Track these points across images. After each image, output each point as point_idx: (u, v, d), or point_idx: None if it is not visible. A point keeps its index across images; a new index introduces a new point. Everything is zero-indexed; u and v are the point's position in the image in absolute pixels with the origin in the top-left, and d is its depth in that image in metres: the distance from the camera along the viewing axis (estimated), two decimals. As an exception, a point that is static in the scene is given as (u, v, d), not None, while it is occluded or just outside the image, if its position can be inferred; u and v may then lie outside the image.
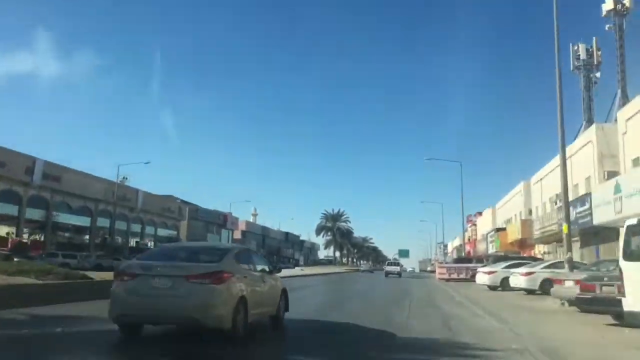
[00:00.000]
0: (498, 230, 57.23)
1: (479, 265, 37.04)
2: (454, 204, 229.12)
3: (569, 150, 36.79)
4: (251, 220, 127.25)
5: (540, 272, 20.80)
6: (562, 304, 14.65)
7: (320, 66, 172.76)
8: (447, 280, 37.45)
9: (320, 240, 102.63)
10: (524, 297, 20.11)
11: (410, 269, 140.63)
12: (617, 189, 23.03)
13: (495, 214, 66.14)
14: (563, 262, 23.10)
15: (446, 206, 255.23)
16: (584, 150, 33.54)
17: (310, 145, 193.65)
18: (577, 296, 11.74)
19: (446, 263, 52.41)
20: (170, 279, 7.60)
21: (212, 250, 9.20)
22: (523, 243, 47.54)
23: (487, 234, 64.04)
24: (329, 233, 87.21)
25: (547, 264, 22.15)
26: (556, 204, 38.78)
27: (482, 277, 26.63)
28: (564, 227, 16.28)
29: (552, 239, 40.10)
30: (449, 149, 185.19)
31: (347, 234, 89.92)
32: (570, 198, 36.55)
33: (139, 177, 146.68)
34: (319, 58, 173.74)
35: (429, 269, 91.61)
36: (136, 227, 68.00)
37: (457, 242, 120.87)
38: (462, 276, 37.40)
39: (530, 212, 47.84)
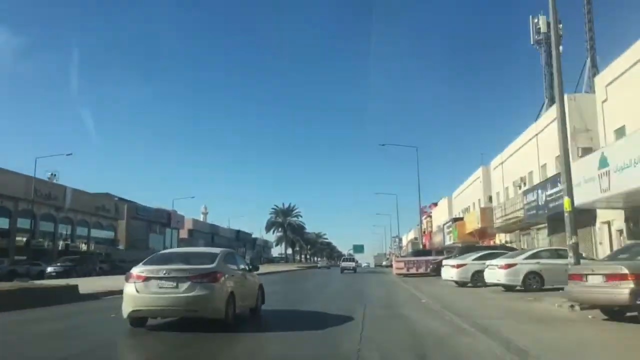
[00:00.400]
0: (455, 220, 54.05)
1: (439, 257, 33.52)
2: (410, 195, 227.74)
3: (534, 129, 33.72)
4: (201, 219, 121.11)
5: (523, 264, 16.90)
6: (572, 307, 10.65)
7: (268, 50, 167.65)
8: (405, 275, 33.60)
9: (271, 237, 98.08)
10: (506, 295, 16.05)
11: (365, 264, 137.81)
12: (603, 163, 19.35)
13: (451, 204, 63.16)
14: (548, 250, 19.43)
15: (401, 198, 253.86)
16: (551, 127, 30.18)
17: (259, 138, 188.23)
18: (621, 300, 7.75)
19: (403, 257, 48.85)
20: (175, 280, 9.29)
21: (204, 255, 10.88)
22: (483, 233, 44.39)
23: (443, 225, 60.87)
24: (280, 229, 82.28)
25: (528, 253, 18.24)
26: (520, 188, 35.57)
27: (449, 272, 22.52)
28: (566, 203, 12.20)
29: (515, 226, 36.92)
30: (404, 137, 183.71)
31: (299, 229, 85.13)
32: (538, 180, 33.67)
33: (72, 174, 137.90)
34: (267, 44, 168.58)
35: (384, 263, 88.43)
36: (65, 228, 61.34)
37: (412, 235, 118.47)
38: (421, 270, 33.62)
39: (490, 199, 44.70)
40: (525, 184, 34.35)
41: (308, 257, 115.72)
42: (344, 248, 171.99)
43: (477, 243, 48.61)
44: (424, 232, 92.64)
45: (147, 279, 9.27)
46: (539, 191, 28.63)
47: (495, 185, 42.55)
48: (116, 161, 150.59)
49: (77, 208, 61.30)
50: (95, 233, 66.99)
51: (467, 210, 53.23)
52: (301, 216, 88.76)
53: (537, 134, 31.60)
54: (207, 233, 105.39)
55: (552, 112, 31.27)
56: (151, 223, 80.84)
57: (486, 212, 43.15)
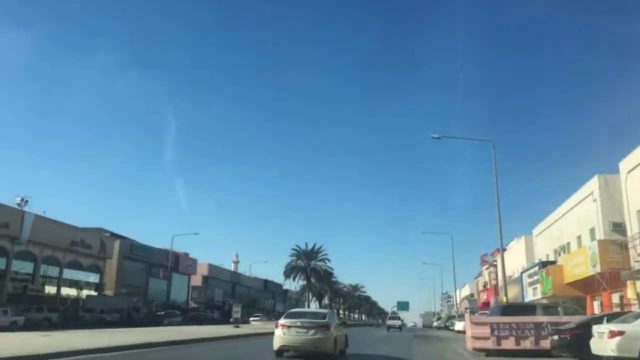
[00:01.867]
0: (545, 265, 36.79)
1: (552, 318, 17.06)
2: (461, 246, 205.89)
3: None
4: (230, 268, 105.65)
5: None
6: None
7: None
8: (492, 351, 16.81)
9: (292, 285, 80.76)
10: None
11: (412, 324, 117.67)
12: None
13: (531, 244, 45.58)
14: None
15: (454, 249, 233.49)
16: None
17: (291, 180, 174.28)
18: None
19: (485, 315, 31.34)
20: (306, 328, 14.87)
21: (318, 313, 16.87)
22: (600, 281, 27.16)
23: (522, 274, 43.30)
24: (302, 276, 65.58)
25: None
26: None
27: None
28: None
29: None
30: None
31: (326, 276, 67.10)
32: None
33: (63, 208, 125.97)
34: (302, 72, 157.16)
35: (435, 324, 69.93)
36: (25, 266, 47.20)
37: (467, 291, 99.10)
38: (527, 343, 16.65)
39: (615, 226, 27.65)
40: None
41: (342, 312, 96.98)
42: (386, 304, 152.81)
43: (580, 298, 31.96)
44: (485, 286, 74.37)
45: (289, 326, 14.98)
46: None
47: (631, 203, 25.63)
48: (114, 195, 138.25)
49: (44, 241, 47.43)
50: (71, 274, 52.65)
51: (564, 249, 35.94)
52: (329, 260, 70.22)
53: None
54: (227, 282, 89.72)
55: None
56: (152, 266, 66.08)
57: (609, 248, 26.33)
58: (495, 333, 16.92)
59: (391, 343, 26.74)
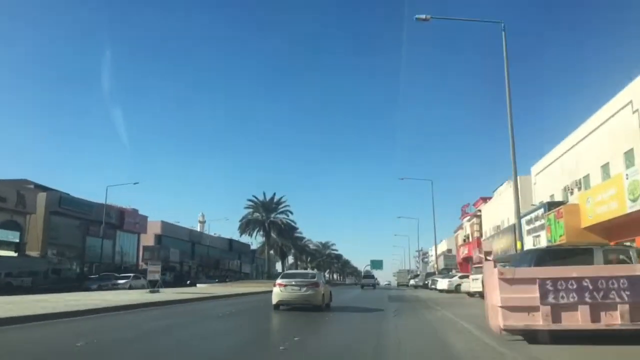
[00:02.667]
0: (553, 206, 29.04)
1: (626, 269, 8.72)
2: (438, 200, 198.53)
3: None
4: (197, 228, 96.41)
5: None
6: None
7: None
8: (543, 333, 8.64)
9: (248, 241, 71.22)
10: None
11: (386, 283, 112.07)
12: None
13: (529, 186, 37.74)
14: None
15: (426, 210, 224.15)
16: None
17: (251, 124, 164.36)
18: None
19: (518, 264, 22.77)
20: (299, 286, 17.77)
21: (309, 274, 19.93)
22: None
23: (521, 220, 35.42)
24: (261, 231, 56.77)
25: None
26: None
27: None
28: None
29: None
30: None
31: (288, 230, 58.61)
32: None
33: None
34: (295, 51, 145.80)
35: (412, 282, 62.77)
36: None
37: (443, 247, 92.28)
38: (613, 319, 8.40)
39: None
40: None
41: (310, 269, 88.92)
42: (359, 264, 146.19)
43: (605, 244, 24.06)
44: (466, 239, 67.26)
45: (285, 285, 17.89)
46: None
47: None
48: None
49: None
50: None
51: (578, 185, 28.14)
52: (291, 212, 60.45)
53: None
54: (185, 241, 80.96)
55: None
56: (91, 223, 56.74)
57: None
58: (550, 299, 8.57)
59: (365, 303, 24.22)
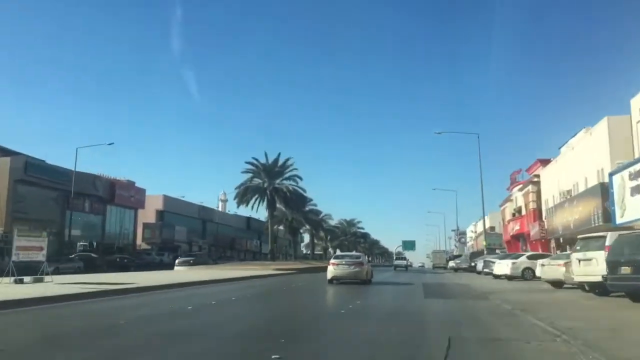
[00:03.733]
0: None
1: None
2: (471, 190, 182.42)
3: None
4: (217, 208, 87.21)
5: None
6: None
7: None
8: None
9: (248, 213, 58.36)
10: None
11: (420, 265, 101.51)
12: None
13: (624, 128, 26.16)
14: None
15: (461, 194, 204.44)
16: None
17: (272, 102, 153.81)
18: None
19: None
20: (348, 264, 21.57)
21: (356, 255, 24.65)
22: None
23: (613, 175, 24.12)
24: (262, 199, 45.52)
25: None
26: None
27: None
28: None
29: None
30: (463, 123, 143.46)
31: (297, 200, 47.14)
32: None
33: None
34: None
35: (451, 264, 51.83)
36: None
37: (482, 226, 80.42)
38: None
39: None
40: None
41: (331, 250, 77.40)
42: (389, 244, 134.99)
43: None
44: (515, 214, 55.73)
45: (337, 264, 21.74)
46: None
47: None
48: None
49: None
50: None
51: None
52: (300, 178, 47.01)
53: None
54: (195, 218, 71.88)
55: None
56: (68, 194, 47.74)
57: None
58: None
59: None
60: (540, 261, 20.72)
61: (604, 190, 25.97)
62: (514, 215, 54.47)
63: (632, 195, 21.90)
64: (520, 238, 51.95)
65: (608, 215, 25.52)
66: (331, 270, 21.68)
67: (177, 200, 68.45)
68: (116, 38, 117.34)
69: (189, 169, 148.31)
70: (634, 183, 21.58)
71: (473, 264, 38.70)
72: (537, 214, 43.18)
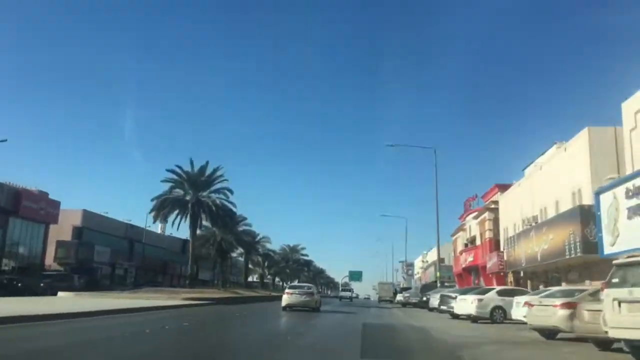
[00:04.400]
0: None
1: None
2: (421, 217, 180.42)
3: None
4: (148, 227, 78.21)
5: None
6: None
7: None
8: None
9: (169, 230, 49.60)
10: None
11: (366, 297, 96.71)
12: None
13: (608, 140, 21.72)
14: None
15: (413, 213, 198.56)
16: None
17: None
18: None
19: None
20: (301, 294, 25.32)
21: (307, 286, 28.12)
22: None
23: (601, 195, 19.34)
24: (183, 214, 38.44)
25: None
26: None
27: None
28: None
29: None
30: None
31: (225, 217, 40.05)
32: None
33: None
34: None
35: (399, 298, 46.33)
36: None
37: (432, 256, 75.97)
38: None
39: None
40: None
41: (267, 278, 70.52)
42: (335, 274, 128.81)
43: None
44: (468, 245, 51.30)
45: (291, 293, 25.09)
46: None
47: None
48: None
49: None
50: None
51: None
52: (230, 192, 40.55)
53: None
54: (121, 238, 63.82)
55: None
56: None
57: None
58: None
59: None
60: (516, 299, 15.47)
61: (585, 214, 21.39)
62: (466, 245, 50.04)
63: (629, 218, 17.13)
64: (473, 271, 47.43)
65: (589, 245, 20.88)
66: (286, 298, 25.01)
67: (99, 217, 60.34)
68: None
69: (118, 182, 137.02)
70: (634, 202, 16.85)
71: (425, 299, 33.34)
72: (494, 244, 38.65)
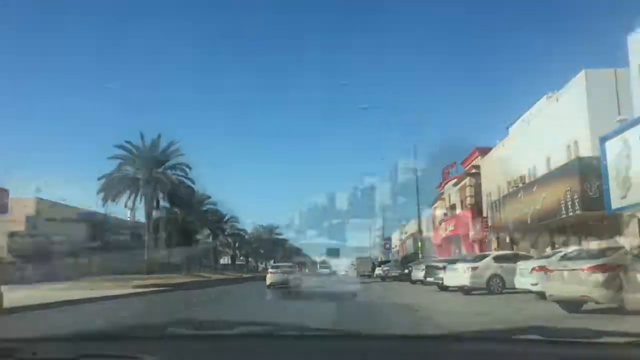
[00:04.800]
0: None
1: None
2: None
3: None
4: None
5: None
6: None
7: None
8: None
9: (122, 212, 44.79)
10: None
11: (343, 273, 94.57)
12: None
13: (608, 87, 19.03)
14: None
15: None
16: None
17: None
18: None
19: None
20: (283, 272, 26.82)
21: (288, 265, 31.57)
22: None
23: (606, 141, 16.71)
24: (139, 195, 35.49)
25: None
26: None
27: None
28: None
29: None
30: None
31: (184, 197, 36.56)
32: None
33: None
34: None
35: (378, 272, 43.91)
36: None
37: (412, 229, 73.74)
38: None
39: None
40: None
41: (240, 259, 67.71)
42: (313, 253, 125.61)
43: None
44: (447, 213, 49.09)
45: (274, 272, 26.74)
46: None
47: None
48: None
49: None
50: None
51: None
52: (189, 167, 36.92)
53: None
54: (80, 224, 59.51)
55: None
56: None
57: None
58: None
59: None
60: (520, 264, 12.73)
61: (585, 167, 18.83)
62: (446, 214, 47.73)
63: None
64: (453, 240, 45.17)
65: (590, 200, 18.37)
66: (270, 277, 26.23)
67: (56, 205, 56.00)
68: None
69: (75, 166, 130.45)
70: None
71: (406, 271, 30.79)
72: (477, 210, 36.29)
